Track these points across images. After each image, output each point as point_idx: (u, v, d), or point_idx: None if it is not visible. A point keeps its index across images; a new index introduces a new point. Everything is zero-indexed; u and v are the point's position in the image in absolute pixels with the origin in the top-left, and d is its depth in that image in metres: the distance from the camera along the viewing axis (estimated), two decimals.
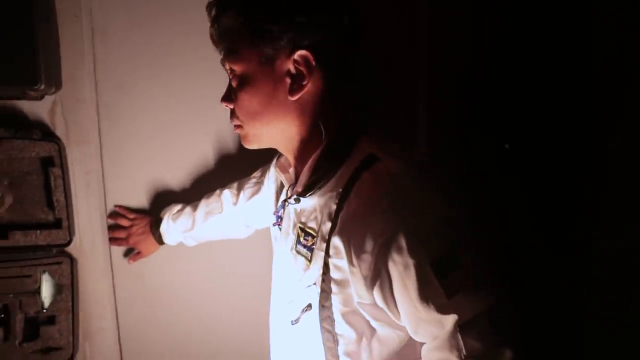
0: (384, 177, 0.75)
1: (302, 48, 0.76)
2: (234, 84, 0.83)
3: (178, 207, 1.24)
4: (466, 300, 0.70)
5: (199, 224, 1.22)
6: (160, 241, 1.25)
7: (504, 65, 1.32)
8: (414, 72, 1.32)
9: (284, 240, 0.90)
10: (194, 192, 1.30)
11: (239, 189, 1.20)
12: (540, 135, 1.32)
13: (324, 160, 0.80)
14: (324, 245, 0.78)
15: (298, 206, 0.84)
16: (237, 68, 0.81)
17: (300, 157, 0.85)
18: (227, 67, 0.83)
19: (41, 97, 1.13)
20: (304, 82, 0.78)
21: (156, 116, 1.29)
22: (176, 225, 1.22)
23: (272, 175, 1.07)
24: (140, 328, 1.35)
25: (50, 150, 1.15)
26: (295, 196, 0.83)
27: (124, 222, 1.26)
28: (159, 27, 1.26)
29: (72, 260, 1.19)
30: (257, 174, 1.18)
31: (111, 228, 1.27)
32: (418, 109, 1.33)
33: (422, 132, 1.34)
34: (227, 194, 1.20)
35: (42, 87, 1.06)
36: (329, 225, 0.78)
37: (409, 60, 1.31)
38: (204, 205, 1.22)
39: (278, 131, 0.83)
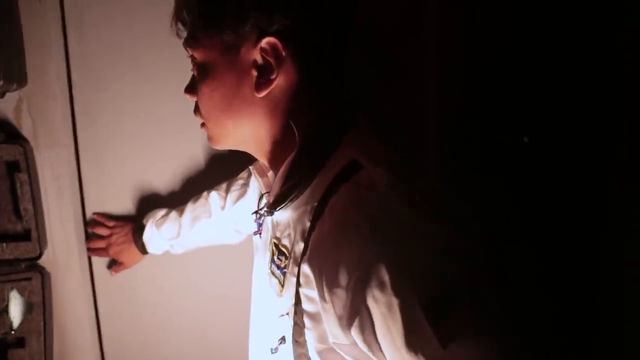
0: (366, 191, 0.61)
1: (270, 35, 0.63)
2: (195, 73, 0.71)
3: (162, 212, 1.12)
4: (465, 350, 0.54)
5: (186, 230, 1.10)
6: (143, 250, 1.13)
7: (523, 50, 1.19)
8: (419, 58, 1.19)
9: (263, 254, 0.78)
10: (181, 195, 1.18)
11: (227, 190, 1.08)
12: (565, 130, 1.19)
13: (297, 166, 0.67)
14: (296, 270, 0.65)
15: (274, 217, 0.72)
16: (197, 56, 0.69)
17: (274, 161, 0.72)
18: (189, 53, 0.71)
19: (2, 95, 1.01)
20: (272, 76, 0.65)
21: (139, 114, 1.16)
22: (161, 233, 1.11)
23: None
24: (125, 345, 1.23)
25: (15, 153, 1.03)
26: (266, 208, 0.70)
27: (103, 231, 1.14)
28: (142, 18, 1.13)
29: (44, 275, 1.07)
30: (244, 174, 1.06)
31: (89, 238, 1.16)
32: (425, 101, 1.20)
33: (430, 128, 1.21)
34: (214, 196, 1.08)
35: (1, 82, 0.94)
36: (301, 246, 0.65)
37: (414, 44, 1.18)
38: (190, 209, 1.10)
39: (246, 132, 0.70)
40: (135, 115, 1.17)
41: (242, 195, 1.05)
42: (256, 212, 0.76)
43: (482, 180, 1.17)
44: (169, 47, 1.12)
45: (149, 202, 1.18)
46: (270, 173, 0.79)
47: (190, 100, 0.75)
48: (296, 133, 0.67)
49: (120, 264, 1.16)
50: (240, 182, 1.06)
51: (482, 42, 1.22)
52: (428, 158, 1.18)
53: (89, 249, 1.16)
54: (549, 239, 1.15)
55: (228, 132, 0.71)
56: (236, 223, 1.08)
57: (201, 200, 1.10)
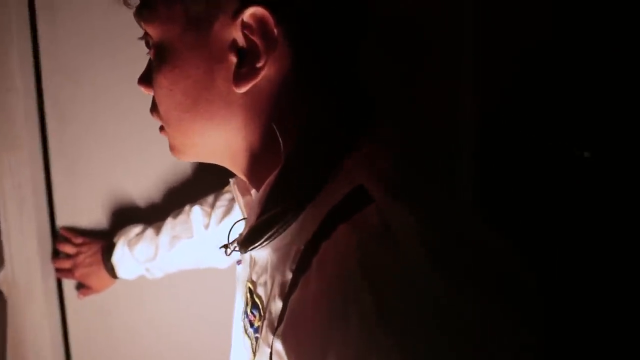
0: (374, 242, 0.40)
1: (255, 3, 0.44)
2: (151, 57, 0.52)
3: (137, 229, 0.94)
4: None
5: (164, 252, 0.92)
6: (113, 274, 0.94)
7: (578, 43, 0.95)
8: (457, 53, 0.96)
9: (242, 294, 0.59)
10: (164, 208, 0.99)
11: (213, 206, 0.89)
12: (633, 140, 0.94)
13: (280, 190, 0.47)
14: (270, 338, 0.45)
15: (253, 251, 0.52)
16: (152, 33, 0.50)
17: (254, 179, 0.53)
18: (143, 28, 0.52)
19: None
20: (259, 63, 0.45)
21: (119, 115, 0.99)
22: (134, 254, 0.92)
23: None
24: None
25: None
26: (236, 244, 0.51)
27: (69, 249, 0.97)
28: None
29: None
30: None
31: (56, 256, 0.99)
32: (461, 104, 0.97)
33: (467, 138, 0.98)
34: (197, 212, 0.89)
35: None
36: (279, 306, 0.45)
37: (450, 37, 0.96)
38: (169, 227, 0.92)
39: (219, 141, 0.51)
40: (115, 115, 0.99)
41: (228, 212, 0.85)
42: (225, 247, 0.56)
43: (528, 203, 0.94)
44: None
45: (128, 216, 1.00)
46: (254, 191, 0.60)
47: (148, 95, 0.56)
48: (281, 143, 0.47)
49: (89, 287, 0.98)
50: (228, 196, 0.87)
51: (528, 35, 0.99)
52: (461, 177, 0.95)
53: (57, 270, 0.99)
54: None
55: (194, 141, 0.52)
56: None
57: (182, 217, 0.91)
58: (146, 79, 0.54)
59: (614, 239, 0.93)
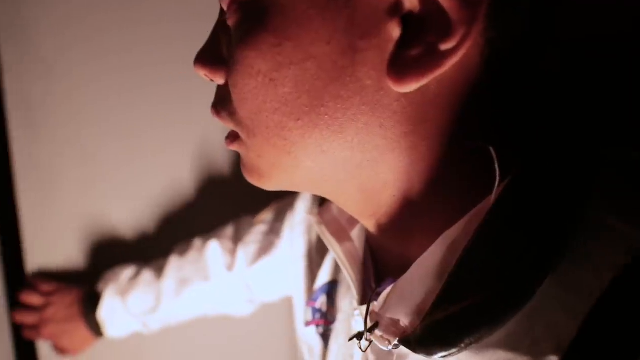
0: None
1: None
2: (230, 22, 0.31)
3: (128, 272, 0.71)
4: None
5: (169, 300, 0.68)
6: (97, 332, 0.70)
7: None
8: None
9: None
10: (164, 243, 0.76)
11: (236, 239, 0.66)
12: None
13: (485, 258, 0.27)
14: None
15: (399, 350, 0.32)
16: None
17: (401, 228, 0.33)
18: None
19: None
20: (447, 44, 0.26)
21: (107, 118, 0.76)
22: (128, 305, 0.68)
23: (301, 223, 0.53)
24: None
25: None
26: (398, 342, 0.31)
27: (34, 300, 0.72)
28: None
29: None
30: (267, 214, 0.64)
31: (16, 307, 0.74)
32: None
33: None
34: (214, 249, 0.66)
35: None
36: None
37: None
38: (174, 266, 0.69)
39: (346, 166, 0.31)
40: (100, 120, 0.77)
41: (265, 250, 0.62)
42: (359, 337, 0.34)
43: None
44: (161, 17, 0.74)
45: (115, 253, 0.77)
46: (358, 230, 0.38)
47: (204, 79, 0.35)
48: (497, 176, 0.28)
49: (62, 349, 0.73)
50: (262, 228, 0.64)
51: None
52: None
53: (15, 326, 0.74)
54: None
55: (300, 162, 0.31)
56: (251, 291, 0.66)
57: (192, 255, 0.68)
58: (212, 57, 0.33)
59: None
